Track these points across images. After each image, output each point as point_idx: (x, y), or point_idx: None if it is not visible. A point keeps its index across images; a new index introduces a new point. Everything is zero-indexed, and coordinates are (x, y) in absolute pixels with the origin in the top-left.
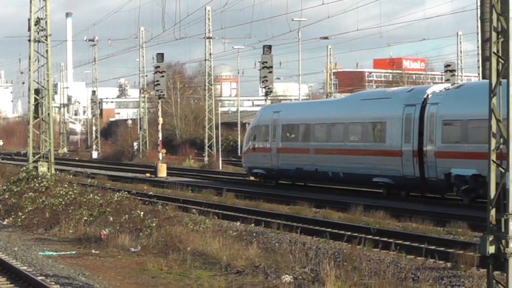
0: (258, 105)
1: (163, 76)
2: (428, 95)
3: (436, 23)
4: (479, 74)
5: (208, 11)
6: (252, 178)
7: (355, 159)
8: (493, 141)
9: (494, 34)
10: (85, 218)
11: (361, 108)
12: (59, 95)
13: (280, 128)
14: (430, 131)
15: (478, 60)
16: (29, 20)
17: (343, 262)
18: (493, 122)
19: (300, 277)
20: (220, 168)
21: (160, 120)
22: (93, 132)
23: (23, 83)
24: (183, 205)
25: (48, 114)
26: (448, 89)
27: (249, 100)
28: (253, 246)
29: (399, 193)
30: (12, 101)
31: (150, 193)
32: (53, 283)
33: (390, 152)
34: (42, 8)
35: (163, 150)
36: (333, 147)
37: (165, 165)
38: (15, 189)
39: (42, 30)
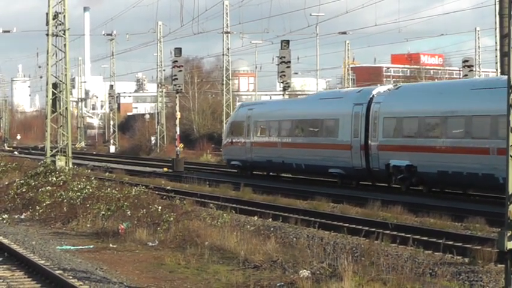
0: None
1: (181, 71)
2: (373, 95)
3: (455, 18)
4: (497, 70)
5: (226, 5)
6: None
7: (314, 152)
8: (511, 137)
9: None
10: (103, 212)
11: (319, 107)
12: (77, 89)
13: (253, 124)
14: (374, 127)
15: (496, 56)
16: (47, 14)
17: (360, 257)
18: None
19: (318, 272)
20: None
21: (178, 114)
22: (111, 126)
23: (41, 77)
24: (200, 200)
25: (66, 108)
26: (389, 90)
27: (266, 95)
28: (271, 241)
29: (351, 182)
30: (29, 95)
31: (168, 187)
32: (71, 277)
33: (342, 145)
34: (60, 2)
35: (181, 145)
36: (296, 142)
37: (182, 160)
38: (33, 183)
39: (60, 24)
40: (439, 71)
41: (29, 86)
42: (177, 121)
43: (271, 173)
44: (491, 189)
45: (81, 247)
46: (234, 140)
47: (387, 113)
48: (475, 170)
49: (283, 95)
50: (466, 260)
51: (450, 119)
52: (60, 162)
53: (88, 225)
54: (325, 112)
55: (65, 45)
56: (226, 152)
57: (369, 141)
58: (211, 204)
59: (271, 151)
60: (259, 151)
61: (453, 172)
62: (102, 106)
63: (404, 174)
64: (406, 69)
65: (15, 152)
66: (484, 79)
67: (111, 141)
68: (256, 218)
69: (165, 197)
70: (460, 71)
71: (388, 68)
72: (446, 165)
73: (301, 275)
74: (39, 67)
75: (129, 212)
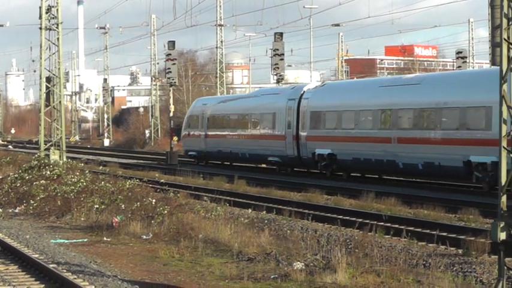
0: None
1: (174, 64)
2: (304, 91)
3: (450, 10)
4: (490, 61)
5: None
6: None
7: (255, 143)
8: (504, 128)
9: (504, 20)
10: (96, 205)
11: (260, 102)
12: (71, 83)
13: (206, 118)
14: (303, 120)
15: (489, 47)
16: (40, 7)
17: (354, 249)
18: (504, 108)
19: (312, 264)
20: None
21: (172, 107)
22: (105, 120)
23: (35, 71)
24: (194, 192)
25: (60, 102)
26: (316, 87)
27: (260, 87)
28: (264, 234)
29: (286, 169)
30: (23, 89)
31: (162, 181)
32: (65, 271)
33: (278, 136)
34: None
35: (175, 138)
36: (241, 133)
37: (176, 153)
38: (27, 177)
39: (53, 18)
40: (433, 63)
41: (23, 80)
42: (171, 114)
43: (225, 162)
44: (393, 173)
45: (75, 240)
46: (190, 132)
47: (313, 107)
48: (380, 156)
49: None
50: (460, 251)
51: (361, 112)
52: (54, 156)
53: (82, 219)
54: (265, 106)
55: (58, 39)
56: (185, 143)
57: (299, 133)
58: (205, 197)
59: (221, 142)
60: (211, 142)
61: (364, 159)
62: (96, 100)
63: (327, 161)
64: (400, 61)
65: (10, 146)
66: (390, 78)
67: (105, 134)
68: (250, 210)
69: (159, 190)
70: (453, 62)
71: (382, 60)
72: (359, 153)
73: (295, 267)
74: (33, 61)
75: (123, 206)
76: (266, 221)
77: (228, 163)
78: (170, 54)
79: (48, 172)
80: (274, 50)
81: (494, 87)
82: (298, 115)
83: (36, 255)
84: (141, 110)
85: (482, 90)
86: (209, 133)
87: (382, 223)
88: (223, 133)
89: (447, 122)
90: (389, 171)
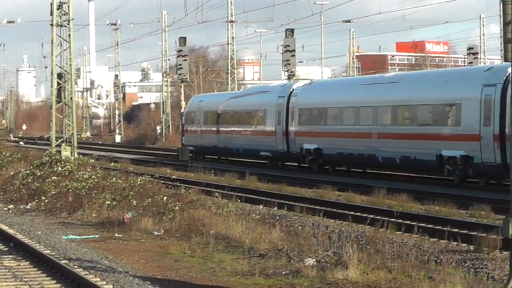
0: None
1: (185, 60)
2: (293, 89)
3: (462, 6)
4: (502, 57)
5: None
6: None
7: (248, 138)
8: None
9: None
10: (108, 201)
11: (252, 99)
12: (82, 79)
13: (202, 114)
14: (292, 116)
15: (501, 43)
16: (51, 4)
17: (366, 245)
18: None
19: (323, 260)
20: None
21: (183, 104)
22: (116, 116)
23: (46, 67)
24: (206, 189)
25: (71, 98)
26: (304, 85)
27: (271, 84)
28: (276, 230)
29: (277, 163)
30: (35, 86)
31: (173, 177)
32: (76, 267)
33: (269, 132)
34: None
35: None
36: (234, 129)
37: (187, 149)
38: (39, 174)
39: (64, 14)
40: (444, 59)
41: (34, 77)
42: (182, 110)
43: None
44: (374, 166)
45: (86, 237)
46: (189, 129)
47: (301, 105)
48: (362, 151)
49: None
50: (471, 247)
51: (344, 109)
52: (66, 152)
53: (93, 215)
54: (256, 104)
55: (69, 35)
56: (183, 138)
57: (289, 129)
58: (217, 193)
59: (216, 138)
60: (207, 138)
61: (348, 153)
62: (107, 96)
63: (313, 156)
64: (411, 57)
65: (21, 142)
66: (372, 76)
67: (117, 130)
68: (261, 206)
69: (170, 186)
70: (465, 58)
71: (393, 56)
72: (343, 147)
73: (307, 263)
74: (44, 57)
75: (134, 202)
76: (277, 217)
77: (224, 158)
78: (181, 51)
79: (60, 168)
80: (285, 46)
81: (464, 85)
82: (287, 112)
83: (48, 251)
84: (152, 106)
85: (453, 88)
86: (205, 129)
87: (393, 219)
88: (218, 129)
89: (421, 118)
90: (370, 165)
